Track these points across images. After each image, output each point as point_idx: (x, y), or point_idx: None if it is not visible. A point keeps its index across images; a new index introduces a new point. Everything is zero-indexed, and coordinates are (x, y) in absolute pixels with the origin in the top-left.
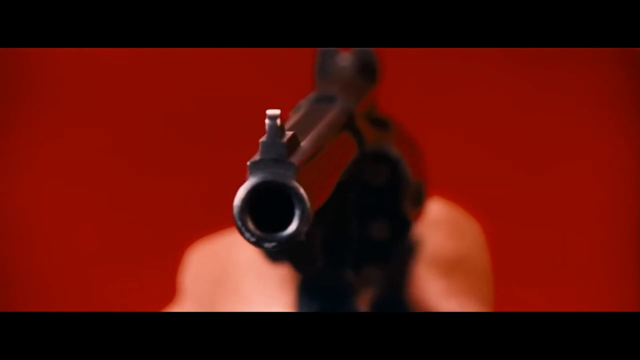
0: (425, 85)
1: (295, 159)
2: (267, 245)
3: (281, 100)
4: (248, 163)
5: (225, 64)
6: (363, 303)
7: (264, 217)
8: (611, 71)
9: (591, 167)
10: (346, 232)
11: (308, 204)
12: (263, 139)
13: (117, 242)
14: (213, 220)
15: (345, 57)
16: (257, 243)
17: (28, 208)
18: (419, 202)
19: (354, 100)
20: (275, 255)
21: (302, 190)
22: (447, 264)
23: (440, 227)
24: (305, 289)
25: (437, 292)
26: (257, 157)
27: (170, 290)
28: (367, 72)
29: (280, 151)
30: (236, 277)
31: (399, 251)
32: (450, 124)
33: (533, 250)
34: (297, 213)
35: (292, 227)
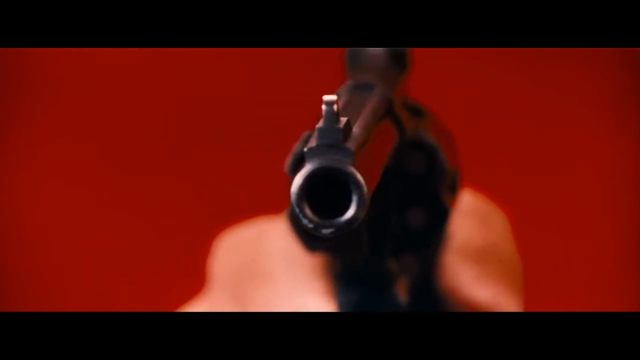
0: (425, 86)
1: (350, 144)
2: (325, 231)
3: (282, 100)
4: (305, 149)
5: (225, 64)
6: (401, 290)
7: (317, 204)
8: (611, 71)
9: (591, 167)
10: (387, 220)
11: (365, 189)
12: (319, 124)
13: (134, 239)
14: (237, 211)
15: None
16: (315, 229)
17: (28, 208)
18: (453, 190)
19: (390, 87)
20: (313, 243)
21: (359, 176)
22: (477, 252)
23: (469, 216)
24: (345, 277)
25: (470, 280)
26: (313, 143)
27: (197, 280)
28: (399, 59)
29: (337, 137)
30: (267, 265)
31: (437, 239)
32: (451, 124)
33: (532, 250)
34: (354, 198)
35: (350, 213)
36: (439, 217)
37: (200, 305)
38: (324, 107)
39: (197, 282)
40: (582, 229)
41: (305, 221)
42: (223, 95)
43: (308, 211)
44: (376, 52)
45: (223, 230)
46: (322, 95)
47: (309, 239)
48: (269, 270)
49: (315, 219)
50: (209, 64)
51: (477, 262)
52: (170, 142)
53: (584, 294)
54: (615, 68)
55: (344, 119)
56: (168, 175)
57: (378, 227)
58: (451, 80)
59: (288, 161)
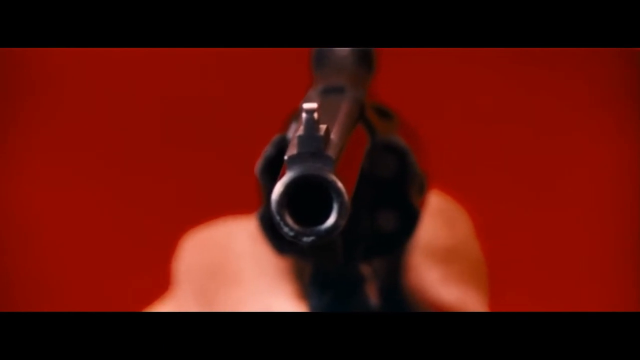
0: (422, 85)
1: (330, 152)
2: (306, 239)
3: (279, 100)
4: (285, 157)
5: (225, 64)
6: (372, 293)
7: (296, 210)
8: (611, 71)
9: (590, 167)
10: (359, 223)
11: (346, 197)
12: (300, 132)
13: (116, 239)
14: (204, 211)
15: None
16: (296, 237)
17: (27, 208)
18: (421, 193)
19: (360, 89)
20: (282, 246)
21: (340, 184)
22: (442, 252)
23: (433, 216)
24: (316, 280)
25: (435, 280)
26: (293, 151)
27: (163, 281)
28: (365, 60)
29: (318, 145)
30: (235, 266)
31: (407, 242)
32: (448, 123)
33: (531, 250)
34: (335, 206)
35: (331, 221)
36: (410, 219)
37: (165, 306)
38: (304, 115)
39: (162, 282)
40: (581, 228)
41: (285, 229)
42: (193, 96)
43: (289, 219)
44: (343, 53)
45: (189, 230)
46: (291, 97)
47: (279, 242)
48: (236, 271)
49: (296, 227)
50: (209, 64)
51: (443, 262)
52: (138, 141)
53: (584, 294)
54: (615, 68)
55: (323, 127)
56: (134, 173)
57: (350, 231)
58: (447, 81)
59: (259, 164)
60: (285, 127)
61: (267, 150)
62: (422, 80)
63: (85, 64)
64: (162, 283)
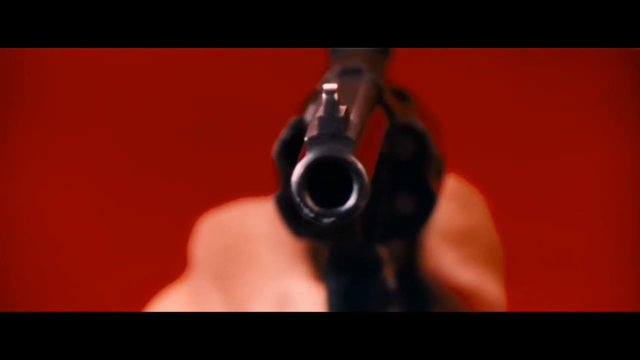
0: (423, 85)
1: (350, 133)
2: (326, 220)
3: (281, 100)
4: (305, 138)
5: (225, 64)
6: (389, 275)
7: (315, 192)
8: (611, 71)
9: (591, 166)
10: (377, 206)
11: (366, 178)
12: (320, 113)
13: (120, 233)
14: (220, 193)
15: None
16: (316, 218)
17: (28, 207)
18: (439, 176)
19: (379, 72)
20: (299, 229)
21: (360, 165)
22: (459, 235)
23: (450, 199)
24: (333, 262)
25: (452, 262)
26: (314, 132)
27: (179, 263)
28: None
29: (338, 126)
30: (252, 248)
31: (425, 224)
32: (450, 122)
33: (531, 249)
34: (355, 187)
35: (351, 202)
36: (427, 202)
37: (182, 288)
38: (324, 95)
39: (179, 264)
40: (581, 228)
41: (305, 210)
42: (197, 92)
43: (309, 200)
44: None
45: (205, 212)
46: (307, 82)
47: (296, 224)
48: (253, 253)
49: (316, 208)
50: (209, 64)
51: (459, 244)
52: (141, 137)
53: (584, 294)
54: (615, 68)
55: (343, 108)
56: (151, 157)
57: (368, 213)
58: (449, 81)
59: (275, 146)
60: (302, 109)
61: (284, 132)
62: (432, 78)
63: (85, 64)
64: (178, 266)
